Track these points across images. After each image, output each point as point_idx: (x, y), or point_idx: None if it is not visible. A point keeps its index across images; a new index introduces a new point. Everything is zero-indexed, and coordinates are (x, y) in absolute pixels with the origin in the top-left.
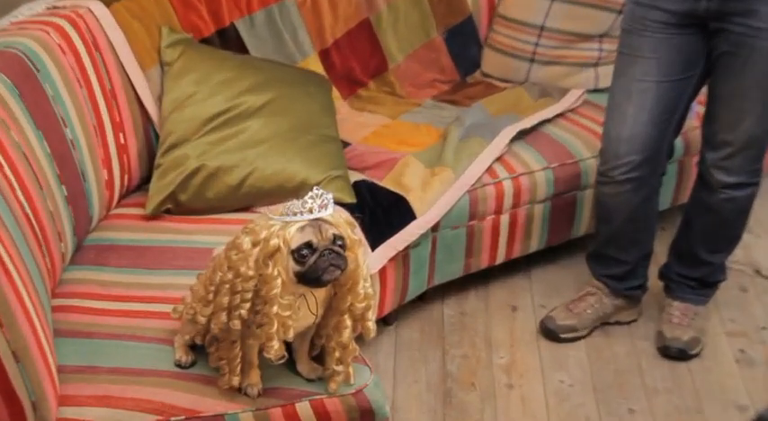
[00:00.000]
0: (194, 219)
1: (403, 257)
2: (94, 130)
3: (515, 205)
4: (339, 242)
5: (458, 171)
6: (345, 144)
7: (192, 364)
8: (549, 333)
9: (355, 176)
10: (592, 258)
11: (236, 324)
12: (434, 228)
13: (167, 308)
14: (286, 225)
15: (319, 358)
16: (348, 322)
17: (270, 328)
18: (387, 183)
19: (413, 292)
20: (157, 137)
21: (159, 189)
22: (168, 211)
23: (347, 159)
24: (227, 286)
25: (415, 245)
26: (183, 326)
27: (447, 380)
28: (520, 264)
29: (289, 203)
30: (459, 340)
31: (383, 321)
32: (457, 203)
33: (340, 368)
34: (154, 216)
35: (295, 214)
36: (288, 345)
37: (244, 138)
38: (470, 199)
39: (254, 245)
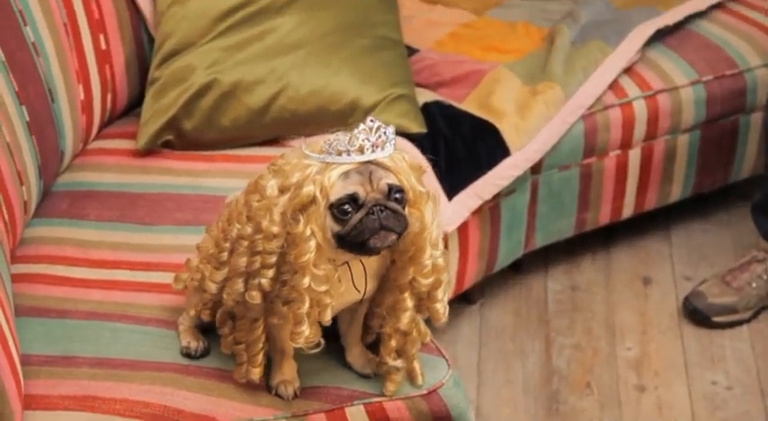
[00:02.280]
0: (203, 156)
1: (491, 210)
2: (66, 31)
3: (650, 136)
4: (397, 195)
5: (569, 88)
6: (412, 51)
7: (204, 354)
8: (698, 315)
9: (426, 96)
10: (758, 210)
11: (255, 297)
12: (536, 169)
13: (169, 277)
14: (326, 167)
15: (375, 348)
16: (409, 302)
17: (300, 307)
18: (469, 105)
19: (505, 259)
20: (151, 41)
21: (155, 114)
22: (168, 145)
23: (414, 72)
24: (246, 243)
25: (508, 192)
26: (189, 298)
27: (553, 380)
28: (655, 219)
29: (332, 137)
30: (570, 325)
31: (464, 299)
32: (567, 134)
33: (398, 363)
34: (148, 151)
35: (339, 154)
36: (332, 328)
37: (271, 41)
38: (586, 127)
39: (282, 190)
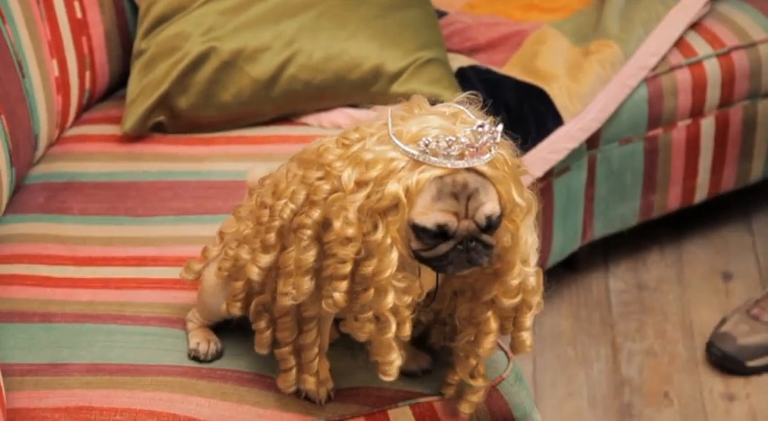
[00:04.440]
0: (202, 139)
1: (542, 192)
2: None
3: (726, 102)
4: (491, 226)
5: (628, 46)
6: (440, 14)
7: (218, 356)
8: (729, 362)
9: (459, 61)
10: None
11: (332, 304)
12: (592, 143)
13: (170, 272)
14: (415, 166)
15: (421, 343)
16: (493, 324)
17: (386, 332)
18: (511, 69)
19: (560, 252)
20: (134, 9)
21: (143, 91)
22: (159, 128)
23: (444, 37)
24: (310, 233)
25: (561, 170)
26: (206, 295)
27: (624, 391)
28: (734, 203)
29: (430, 133)
30: (639, 328)
31: None
32: (628, 100)
33: (479, 383)
34: (136, 136)
35: (436, 155)
36: None
37: (275, 1)
38: (650, 92)
39: (359, 184)
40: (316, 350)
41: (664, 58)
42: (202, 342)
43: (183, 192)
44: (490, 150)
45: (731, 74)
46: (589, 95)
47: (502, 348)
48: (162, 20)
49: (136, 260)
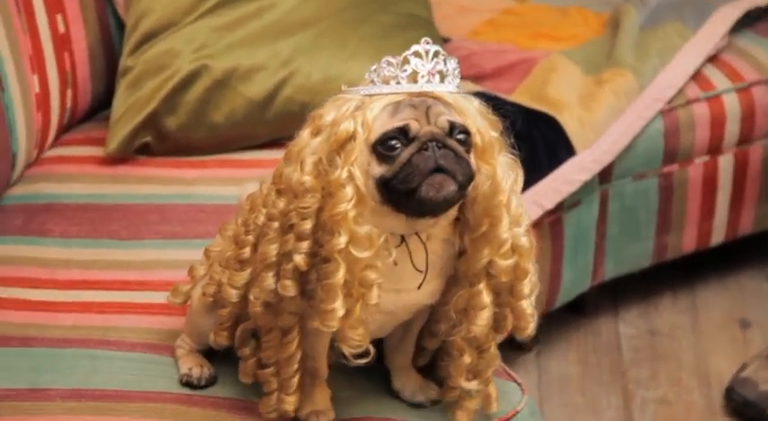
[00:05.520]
0: (191, 163)
1: (552, 226)
2: (17, 7)
3: (745, 138)
4: (460, 136)
5: (643, 77)
6: (443, 41)
7: (211, 382)
8: (750, 409)
9: (464, 87)
10: None
11: (289, 286)
12: (605, 177)
13: (156, 297)
14: (370, 101)
15: (429, 371)
16: (486, 297)
17: (332, 275)
18: (520, 97)
19: (569, 291)
20: (120, 26)
21: (129, 110)
22: (145, 150)
23: None
24: (276, 225)
25: (572, 204)
26: (195, 317)
27: None
28: (752, 246)
29: (377, 65)
30: (653, 376)
31: (516, 346)
32: (643, 133)
33: (473, 385)
34: (121, 158)
35: (387, 82)
36: (378, 344)
37: (271, 19)
38: (666, 126)
39: (315, 134)
40: (295, 366)
41: (680, 91)
42: (195, 367)
43: (172, 216)
44: (446, 77)
45: (751, 109)
46: (602, 125)
47: (515, 380)
48: (150, 36)
49: (120, 284)
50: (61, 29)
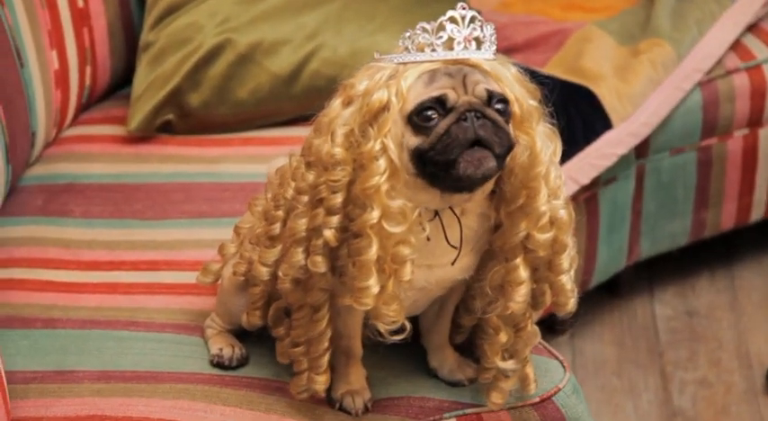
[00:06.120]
0: (215, 140)
1: (587, 203)
2: None
3: None
4: (498, 105)
5: (681, 46)
6: None
7: (242, 363)
8: None
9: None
10: None
11: (319, 262)
12: (641, 152)
13: (185, 277)
14: (403, 69)
15: (467, 350)
16: (522, 272)
17: (365, 251)
18: (553, 69)
19: (604, 271)
20: (140, 1)
21: (151, 86)
22: (167, 128)
23: None
24: (306, 199)
25: (607, 180)
26: (226, 296)
27: None
28: None
29: (411, 31)
30: (691, 357)
31: (549, 329)
32: (681, 106)
33: (509, 365)
34: (142, 137)
35: (421, 49)
36: (413, 323)
37: None
38: (705, 98)
39: (346, 104)
40: (325, 345)
41: (719, 61)
42: (226, 347)
43: (197, 195)
44: (483, 44)
45: None
46: (640, 97)
47: (556, 357)
48: (172, 10)
49: (146, 264)
50: (80, 3)
